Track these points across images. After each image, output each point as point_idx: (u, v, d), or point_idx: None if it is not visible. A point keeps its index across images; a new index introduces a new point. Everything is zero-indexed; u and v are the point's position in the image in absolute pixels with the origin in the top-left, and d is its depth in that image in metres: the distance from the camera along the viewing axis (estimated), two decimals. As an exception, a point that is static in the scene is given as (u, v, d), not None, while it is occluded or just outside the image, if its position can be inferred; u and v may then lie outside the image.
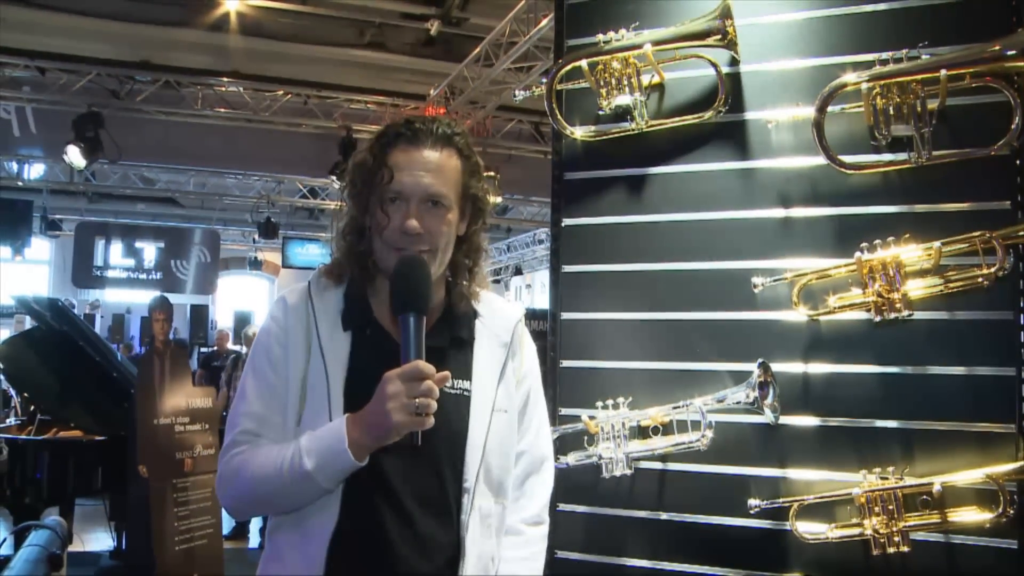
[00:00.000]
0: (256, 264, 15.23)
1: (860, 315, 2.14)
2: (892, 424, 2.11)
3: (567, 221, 2.48)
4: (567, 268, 2.47)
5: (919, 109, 2.06)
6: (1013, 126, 2.01)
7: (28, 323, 7.83)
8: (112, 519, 5.54)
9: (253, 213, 13.12)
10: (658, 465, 2.30)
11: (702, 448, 2.19)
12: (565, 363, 2.43)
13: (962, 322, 2.08)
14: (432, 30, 8.49)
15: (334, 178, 10.19)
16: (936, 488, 2.01)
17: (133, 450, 4.33)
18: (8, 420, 5.89)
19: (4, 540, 3.90)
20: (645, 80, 2.34)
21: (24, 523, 4.19)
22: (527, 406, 1.58)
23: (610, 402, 2.30)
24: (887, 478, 2.06)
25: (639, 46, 2.27)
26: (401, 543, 1.38)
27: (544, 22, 6.75)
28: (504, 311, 1.59)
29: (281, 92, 9.46)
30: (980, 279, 2.04)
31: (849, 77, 2.10)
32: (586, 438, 2.32)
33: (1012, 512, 1.96)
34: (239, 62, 8.99)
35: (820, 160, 2.17)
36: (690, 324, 2.31)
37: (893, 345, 2.12)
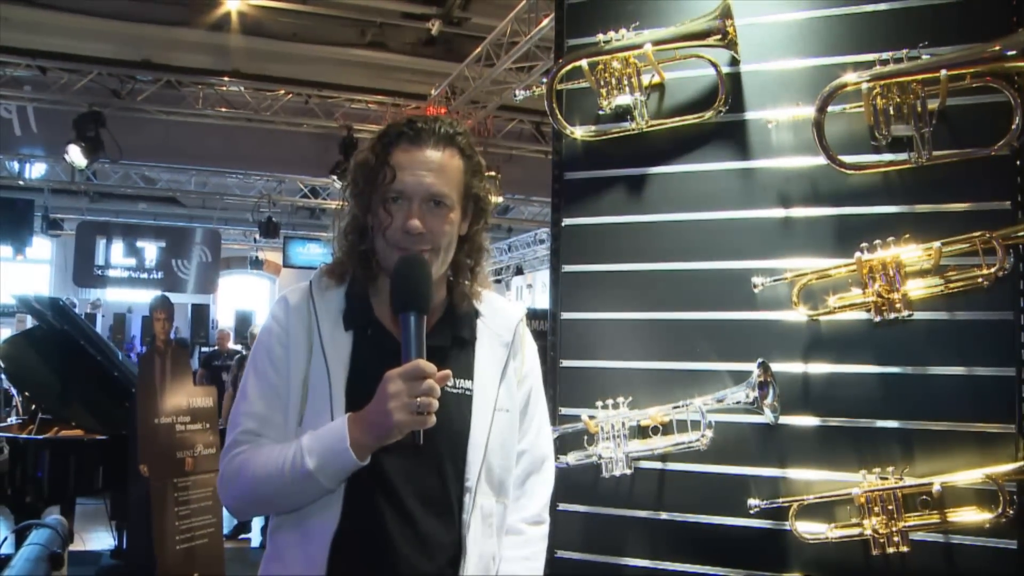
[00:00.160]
0: (257, 264, 15.26)
1: (860, 315, 2.15)
2: (892, 424, 2.11)
3: (567, 221, 2.48)
4: (567, 268, 2.47)
5: (919, 109, 2.06)
6: (1013, 126, 2.01)
7: (29, 322, 7.85)
8: (113, 518, 5.55)
9: (254, 212, 13.14)
10: (658, 465, 2.30)
11: (702, 448, 2.20)
12: (565, 363, 2.44)
13: (962, 322, 2.08)
14: (433, 30, 8.50)
15: (335, 178, 10.20)
16: (936, 488, 2.01)
17: (134, 449, 4.34)
18: (9, 419, 5.90)
19: (5, 539, 3.90)
20: (645, 80, 2.34)
21: (25, 522, 4.19)
22: (528, 406, 1.58)
23: (610, 402, 2.30)
24: (887, 478, 2.06)
25: (639, 46, 2.28)
26: (403, 542, 1.38)
27: (545, 22, 6.75)
28: (505, 311, 1.59)
29: (282, 92, 9.47)
30: (980, 279, 2.04)
31: (849, 77, 2.10)
32: (586, 438, 2.32)
33: (1012, 512, 1.96)
34: (240, 62, 9.00)
35: (820, 160, 2.17)
36: (690, 324, 2.31)
37: (893, 345, 2.12)
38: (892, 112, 2.09)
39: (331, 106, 9.74)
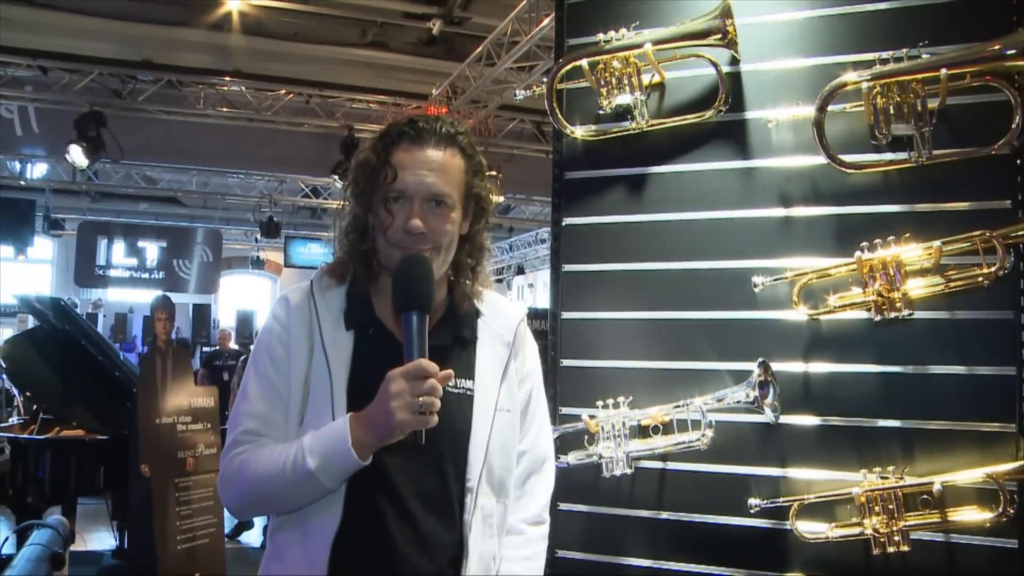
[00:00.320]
0: (258, 263, 15.27)
1: (860, 314, 2.15)
2: (892, 423, 2.11)
3: (568, 220, 2.48)
4: (568, 267, 2.47)
5: (919, 108, 2.06)
6: (1013, 125, 2.02)
7: (31, 322, 7.85)
8: (114, 518, 5.55)
9: (255, 212, 13.14)
10: (658, 464, 2.30)
11: (702, 447, 2.20)
12: (565, 362, 2.44)
13: (962, 321, 2.08)
14: (434, 29, 8.50)
15: (336, 177, 10.20)
16: (936, 487, 2.01)
17: (135, 449, 4.34)
18: (11, 419, 5.91)
19: (6, 539, 3.91)
20: (645, 79, 2.34)
21: (26, 522, 4.20)
22: (529, 406, 1.58)
23: (610, 401, 2.30)
24: (887, 477, 2.06)
25: (639, 45, 2.28)
26: (404, 542, 1.38)
27: (546, 21, 6.74)
28: (506, 310, 1.59)
29: (283, 91, 9.46)
30: (980, 278, 2.04)
31: (849, 76, 2.10)
32: (586, 437, 2.32)
33: (1012, 512, 1.96)
34: (241, 61, 9.00)
35: (820, 159, 2.17)
36: (690, 323, 2.31)
37: (893, 344, 2.12)
38: (892, 111, 2.09)
39: (332, 106, 9.74)
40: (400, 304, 1.34)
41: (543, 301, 14.26)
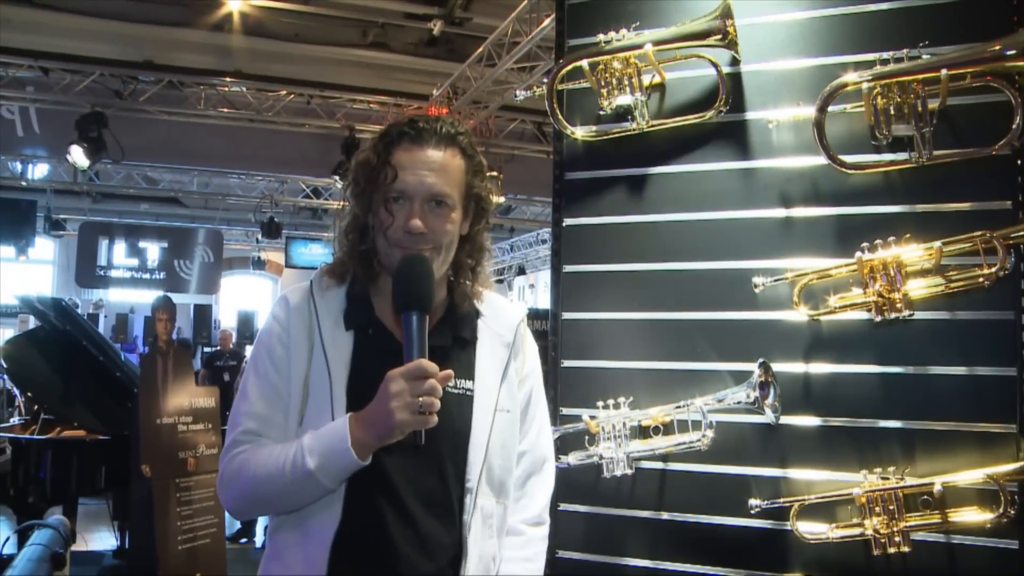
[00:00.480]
0: (259, 264, 15.27)
1: (861, 315, 2.15)
2: (893, 424, 2.11)
3: (568, 221, 2.48)
4: (568, 268, 2.47)
5: (920, 109, 2.06)
6: (1014, 126, 2.01)
7: (32, 323, 7.86)
8: (115, 518, 5.56)
9: (256, 213, 13.14)
10: (659, 465, 2.30)
11: (703, 448, 2.20)
12: (566, 363, 2.44)
13: (963, 322, 2.08)
14: (435, 30, 8.50)
15: (337, 178, 10.20)
16: (937, 488, 2.01)
17: (136, 449, 4.34)
18: (12, 419, 5.91)
19: (7, 539, 3.92)
20: (646, 80, 2.34)
21: (27, 522, 4.21)
22: (529, 406, 1.58)
23: (611, 402, 2.30)
24: (888, 478, 2.06)
25: (640, 46, 2.28)
26: (403, 543, 1.38)
27: (547, 22, 6.74)
28: (506, 311, 1.59)
29: (284, 92, 9.47)
30: (981, 279, 2.04)
31: (850, 77, 2.10)
32: (587, 438, 2.32)
33: (1013, 512, 1.96)
34: (242, 62, 9.00)
35: (821, 160, 2.17)
36: (691, 324, 2.31)
37: (894, 345, 2.12)
38: (893, 112, 2.09)
39: (333, 106, 9.75)
40: (400, 304, 1.34)
41: (544, 302, 14.26)
